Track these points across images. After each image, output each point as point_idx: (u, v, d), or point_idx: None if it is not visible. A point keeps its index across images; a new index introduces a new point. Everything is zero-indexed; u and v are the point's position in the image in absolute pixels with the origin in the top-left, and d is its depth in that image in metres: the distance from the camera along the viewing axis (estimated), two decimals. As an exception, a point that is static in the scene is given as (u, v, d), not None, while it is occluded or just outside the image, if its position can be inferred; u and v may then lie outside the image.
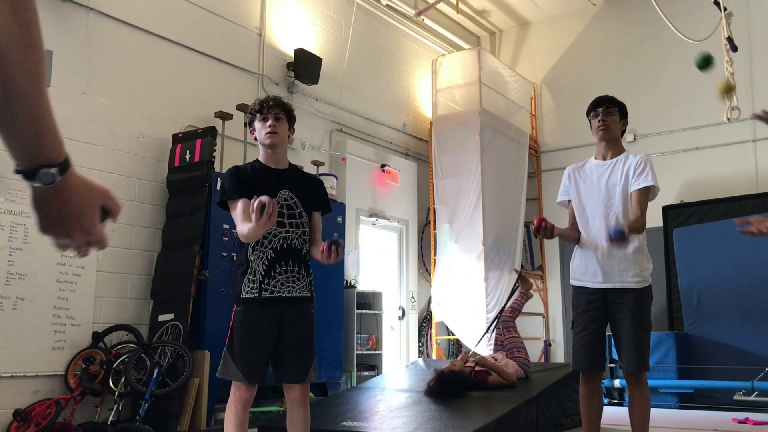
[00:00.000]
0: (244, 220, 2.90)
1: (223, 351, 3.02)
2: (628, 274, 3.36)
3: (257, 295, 2.95)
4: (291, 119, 3.18)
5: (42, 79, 0.85)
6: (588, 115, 3.63)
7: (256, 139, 3.16)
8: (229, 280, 3.27)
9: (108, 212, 0.98)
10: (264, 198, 2.71)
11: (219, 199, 3.07)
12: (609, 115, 3.53)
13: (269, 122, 3.07)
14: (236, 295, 3.02)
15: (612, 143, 3.55)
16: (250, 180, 3.03)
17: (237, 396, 2.97)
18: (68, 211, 0.92)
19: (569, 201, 3.70)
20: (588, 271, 3.46)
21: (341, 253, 2.97)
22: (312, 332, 3.10)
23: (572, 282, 3.55)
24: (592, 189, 3.55)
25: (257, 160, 3.17)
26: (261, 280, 2.97)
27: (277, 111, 3.10)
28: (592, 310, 3.44)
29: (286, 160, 3.21)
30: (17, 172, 0.88)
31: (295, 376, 3.01)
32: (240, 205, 2.95)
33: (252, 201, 2.73)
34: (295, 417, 3.05)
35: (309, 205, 3.17)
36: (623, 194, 3.42)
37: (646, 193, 3.37)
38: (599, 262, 3.41)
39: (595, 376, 3.46)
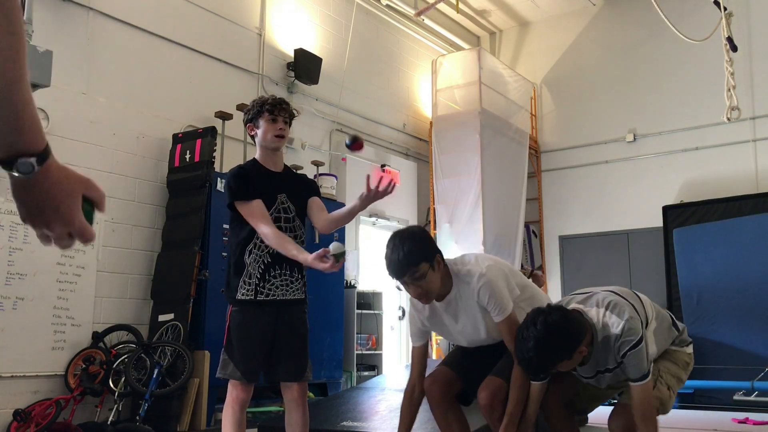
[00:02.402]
0: (263, 221, 2.90)
1: (221, 352, 3.02)
2: None
3: (253, 297, 2.95)
4: (291, 122, 3.20)
5: (22, 67, 0.83)
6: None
7: (253, 137, 3.12)
8: (229, 280, 3.27)
9: (92, 203, 0.96)
10: (340, 263, 2.77)
11: (228, 201, 2.99)
12: (418, 280, 2.72)
13: (280, 125, 3.05)
14: (232, 296, 3.01)
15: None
16: (251, 180, 3.02)
17: (234, 396, 2.97)
18: (48, 201, 0.90)
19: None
20: None
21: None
22: (306, 332, 3.10)
23: None
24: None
25: (255, 160, 3.13)
26: (257, 283, 2.96)
27: (286, 115, 3.09)
28: None
29: (282, 162, 3.20)
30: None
31: (293, 374, 3.02)
32: (255, 205, 2.93)
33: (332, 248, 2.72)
34: (294, 417, 3.04)
35: (302, 210, 3.14)
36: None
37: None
38: None
39: None
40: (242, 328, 2.98)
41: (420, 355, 3.02)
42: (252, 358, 2.97)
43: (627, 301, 2.72)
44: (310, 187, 3.25)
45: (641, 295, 2.90)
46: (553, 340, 2.50)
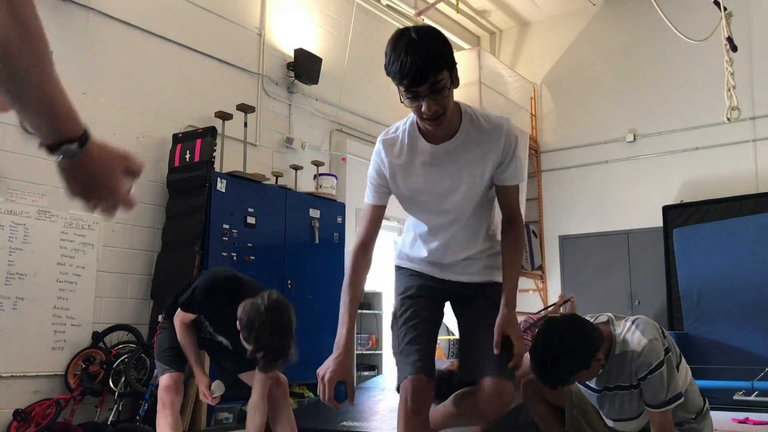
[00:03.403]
0: (184, 321, 3.08)
1: (155, 362, 3.23)
2: None
3: None
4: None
5: (45, 67, 0.91)
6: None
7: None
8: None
9: (133, 173, 1.06)
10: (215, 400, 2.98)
11: (180, 301, 3.06)
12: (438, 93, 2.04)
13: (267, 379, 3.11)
14: (168, 315, 3.22)
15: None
16: (213, 309, 3.06)
17: (160, 397, 3.08)
18: (92, 179, 1.00)
19: None
20: None
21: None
22: None
23: None
24: None
25: (242, 302, 2.90)
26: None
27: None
28: None
29: None
30: (41, 146, 0.97)
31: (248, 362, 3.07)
32: (187, 318, 3.09)
33: (212, 387, 2.99)
34: (282, 417, 3.14)
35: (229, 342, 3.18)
36: None
37: None
38: None
39: None
40: (168, 335, 3.18)
41: (377, 215, 2.36)
42: (171, 347, 3.12)
43: (659, 328, 2.61)
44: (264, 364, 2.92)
45: (683, 359, 2.75)
46: (570, 349, 2.40)
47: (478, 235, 2.35)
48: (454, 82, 2.05)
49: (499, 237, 2.40)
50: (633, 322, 2.58)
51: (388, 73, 2.02)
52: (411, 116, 2.19)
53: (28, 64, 0.89)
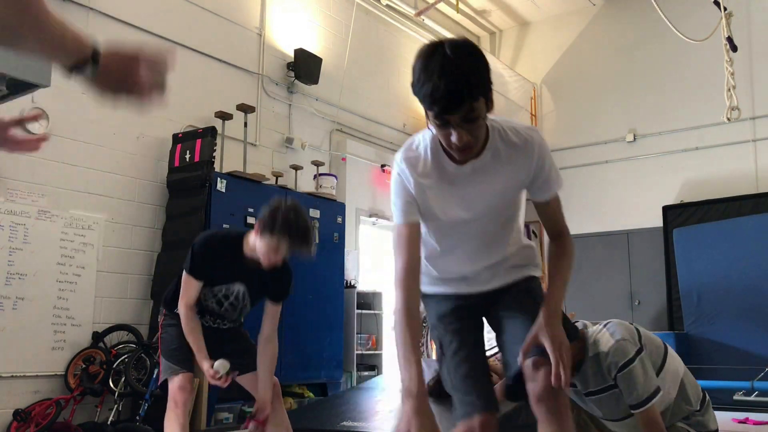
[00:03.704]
0: (189, 303, 2.98)
1: (161, 360, 3.14)
2: None
3: None
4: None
5: (40, 12, 1.00)
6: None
7: (257, 238, 2.90)
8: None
9: (154, 63, 1.15)
10: (223, 379, 2.86)
11: (184, 267, 3.04)
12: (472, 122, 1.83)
13: (279, 256, 2.91)
14: (170, 308, 3.14)
15: None
16: (216, 261, 3.01)
17: (172, 395, 3.04)
18: (116, 83, 1.12)
19: None
20: None
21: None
22: (245, 335, 3.24)
23: None
24: None
25: (243, 241, 2.98)
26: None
27: (294, 249, 2.93)
28: None
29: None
30: (65, 70, 1.08)
31: (250, 364, 3.12)
32: (194, 286, 2.99)
33: (215, 365, 2.86)
34: (277, 417, 3.17)
35: (259, 299, 3.17)
36: None
37: None
38: None
39: None
40: (173, 333, 3.11)
41: (413, 233, 2.01)
42: (179, 345, 3.06)
43: (633, 329, 2.63)
44: (281, 283, 3.10)
45: (671, 352, 2.75)
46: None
47: (501, 244, 2.14)
48: (490, 108, 1.81)
49: (524, 239, 2.22)
50: (605, 326, 2.63)
51: (416, 94, 1.78)
52: (430, 132, 1.97)
53: (36, 8, 0.99)
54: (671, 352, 2.77)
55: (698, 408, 2.74)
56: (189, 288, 2.99)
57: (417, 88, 1.77)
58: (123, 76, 1.11)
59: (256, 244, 2.90)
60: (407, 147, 2.03)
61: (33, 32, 1.00)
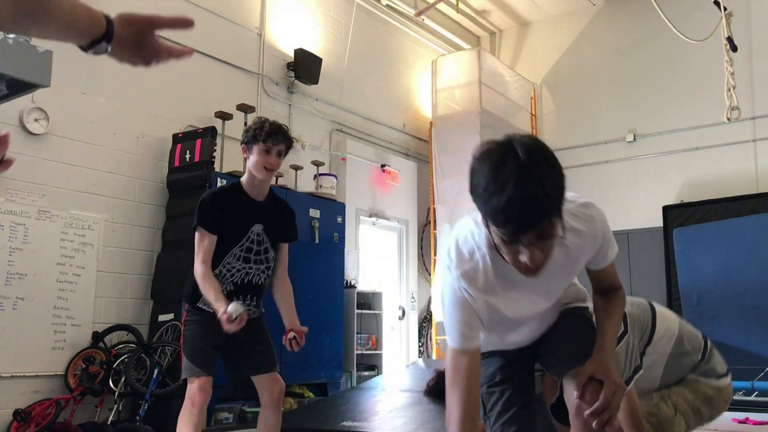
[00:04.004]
0: (206, 258, 2.95)
1: (182, 358, 3.09)
2: None
3: (212, 312, 2.96)
4: (287, 153, 3.18)
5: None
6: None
7: (246, 159, 3.11)
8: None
9: (172, 24, 1.14)
10: (243, 315, 2.77)
11: (194, 224, 3.03)
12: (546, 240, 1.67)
13: (272, 158, 3.05)
14: (192, 303, 3.08)
15: None
16: (225, 209, 3.03)
17: (191, 394, 3.00)
18: (134, 51, 1.13)
19: None
20: None
21: (301, 344, 3.09)
22: (266, 333, 3.19)
23: None
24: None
25: (239, 184, 3.12)
26: None
27: (281, 147, 3.08)
28: None
29: (267, 189, 3.18)
30: (81, 48, 1.10)
31: (266, 365, 3.08)
32: (208, 240, 2.97)
33: (228, 308, 2.75)
34: (270, 419, 3.10)
35: (277, 239, 3.18)
36: None
37: None
38: None
39: None
40: (197, 328, 3.05)
41: (474, 368, 1.82)
42: (202, 347, 3.02)
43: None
44: (287, 223, 3.21)
45: (661, 312, 2.71)
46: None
47: (557, 304, 2.02)
48: (564, 224, 1.63)
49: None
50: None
51: (480, 203, 1.56)
52: (484, 234, 1.73)
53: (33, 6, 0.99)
54: (661, 312, 2.71)
55: (701, 358, 2.73)
56: (203, 244, 2.97)
57: (482, 198, 1.54)
58: (139, 44, 1.12)
59: (248, 167, 3.06)
60: (459, 257, 1.79)
61: (43, 14, 1.00)
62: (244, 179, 3.11)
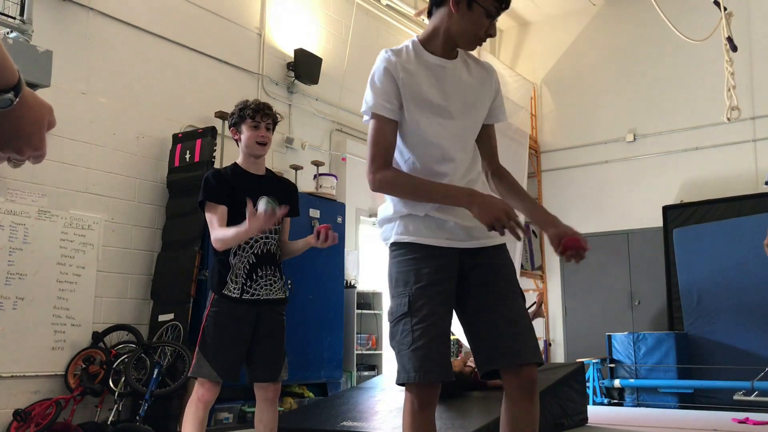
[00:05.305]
0: (221, 225, 2.97)
1: (195, 351, 3.05)
2: None
3: (239, 296, 3.00)
4: (275, 127, 3.24)
5: None
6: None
7: (237, 141, 3.16)
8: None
9: (50, 126, 1.07)
10: (278, 210, 2.77)
11: (201, 198, 3.05)
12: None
13: (262, 132, 3.11)
14: (218, 291, 3.05)
15: None
16: (230, 184, 3.06)
17: (200, 395, 2.98)
18: (23, 128, 1.00)
19: None
20: None
21: (334, 238, 3.11)
22: (283, 333, 3.16)
23: None
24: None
25: (236, 164, 3.17)
26: (243, 282, 3.03)
27: (268, 121, 3.14)
28: None
29: (264, 165, 3.23)
30: None
31: (268, 375, 3.07)
32: (221, 210, 3.00)
33: (252, 204, 2.75)
34: (266, 416, 3.09)
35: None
36: None
37: None
38: None
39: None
40: (221, 327, 3.02)
41: (393, 131, 2.29)
42: (227, 355, 2.99)
43: None
44: (291, 196, 3.25)
45: None
46: None
47: (475, 162, 2.20)
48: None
49: (487, 183, 2.24)
50: None
51: None
52: (416, 39, 2.20)
53: None
54: None
55: None
56: (215, 215, 2.98)
57: None
58: (35, 120, 1.03)
59: (242, 147, 3.12)
60: (397, 51, 2.16)
61: None
62: (240, 160, 3.17)
